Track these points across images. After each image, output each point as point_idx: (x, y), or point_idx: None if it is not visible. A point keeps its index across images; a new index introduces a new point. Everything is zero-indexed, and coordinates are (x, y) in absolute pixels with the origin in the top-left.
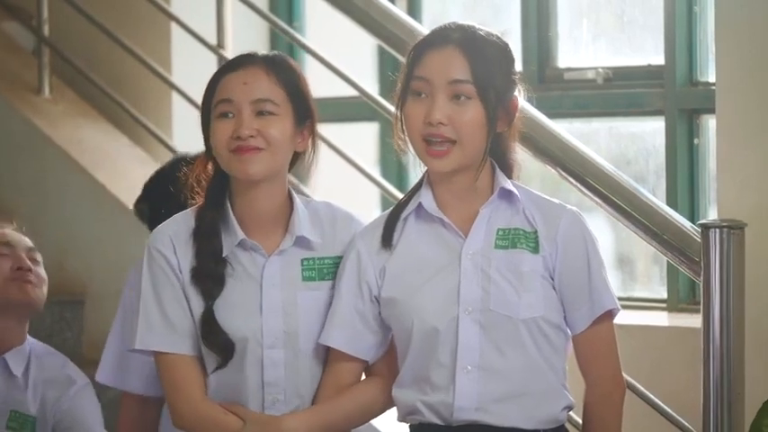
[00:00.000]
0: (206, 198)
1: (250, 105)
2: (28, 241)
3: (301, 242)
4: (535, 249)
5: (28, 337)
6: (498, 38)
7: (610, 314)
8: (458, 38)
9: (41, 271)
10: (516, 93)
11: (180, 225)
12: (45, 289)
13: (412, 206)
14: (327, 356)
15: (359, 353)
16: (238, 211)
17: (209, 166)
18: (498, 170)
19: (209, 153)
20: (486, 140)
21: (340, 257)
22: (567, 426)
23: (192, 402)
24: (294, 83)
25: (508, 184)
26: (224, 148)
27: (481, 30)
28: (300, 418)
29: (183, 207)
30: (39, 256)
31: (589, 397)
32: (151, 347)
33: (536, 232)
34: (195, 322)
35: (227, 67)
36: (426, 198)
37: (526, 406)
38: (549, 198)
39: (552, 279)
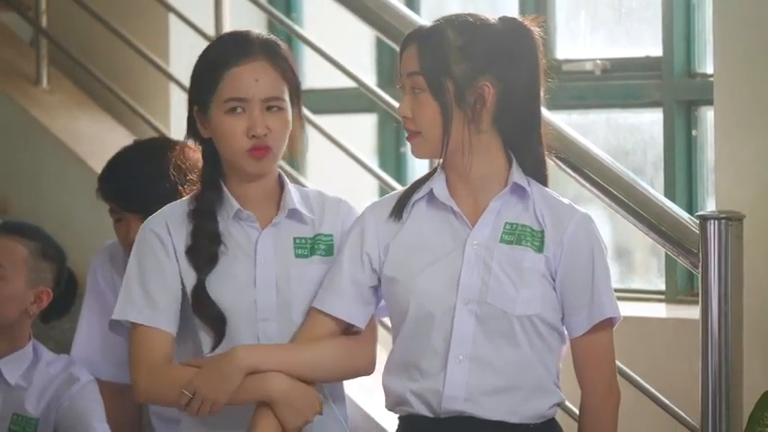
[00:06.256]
0: (202, 183)
1: (260, 102)
2: None
3: (294, 215)
4: (539, 248)
5: (35, 343)
6: (479, 23)
7: (609, 322)
8: (418, 32)
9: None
10: (487, 79)
11: (175, 209)
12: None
13: (424, 191)
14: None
15: (350, 318)
16: (232, 189)
17: (191, 151)
18: (516, 165)
19: (194, 135)
20: (442, 129)
21: (329, 235)
22: (565, 417)
23: (150, 370)
24: (291, 71)
25: (522, 181)
26: (239, 145)
27: (459, 18)
28: (252, 348)
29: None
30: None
31: (584, 402)
32: (127, 317)
33: (543, 232)
34: (188, 299)
35: (230, 60)
36: (438, 185)
37: (515, 400)
38: (561, 199)
39: (553, 280)
